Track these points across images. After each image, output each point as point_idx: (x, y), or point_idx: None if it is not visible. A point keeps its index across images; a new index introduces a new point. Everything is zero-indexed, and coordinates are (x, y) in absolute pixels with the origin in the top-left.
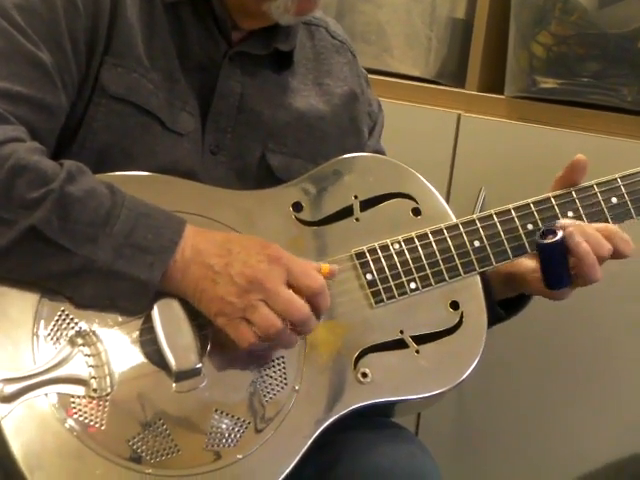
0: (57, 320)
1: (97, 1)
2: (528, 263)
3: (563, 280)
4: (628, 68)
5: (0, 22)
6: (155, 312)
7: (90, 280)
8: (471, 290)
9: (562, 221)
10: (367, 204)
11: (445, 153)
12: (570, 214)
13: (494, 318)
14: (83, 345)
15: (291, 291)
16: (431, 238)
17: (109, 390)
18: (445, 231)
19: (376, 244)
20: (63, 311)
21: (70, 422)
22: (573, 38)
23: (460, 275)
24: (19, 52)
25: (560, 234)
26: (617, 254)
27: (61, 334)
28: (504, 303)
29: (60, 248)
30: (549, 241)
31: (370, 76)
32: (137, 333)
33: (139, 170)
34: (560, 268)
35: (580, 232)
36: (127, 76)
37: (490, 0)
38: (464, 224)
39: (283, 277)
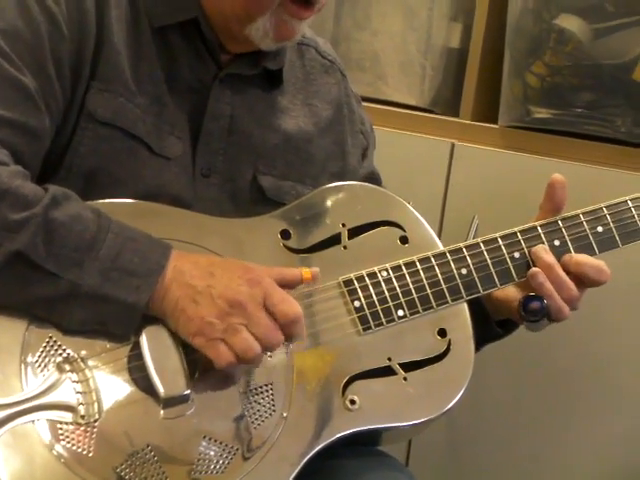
0: (45, 347)
1: (82, 25)
2: (510, 293)
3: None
4: (622, 99)
5: None
6: (143, 338)
7: (77, 305)
8: (459, 317)
9: (537, 253)
10: (355, 232)
11: (439, 182)
12: (556, 243)
13: (490, 335)
14: (71, 371)
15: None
16: (419, 266)
17: (97, 417)
18: (433, 259)
19: (364, 272)
20: (51, 337)
21: (58, 449)
22: (567, 68)
23: (448, 303)
24: (1, 76)
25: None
26: (592, 284)
27: (49, 361)
28: (500, 322)
29: (46, 273)
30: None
31: (364, 104)
32: (125, 359)
33: (126, 194)
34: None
35: (546, 273)
36: (114, 101)
37: (485, 30)
38: (451, 252)
39: (262, 301)
